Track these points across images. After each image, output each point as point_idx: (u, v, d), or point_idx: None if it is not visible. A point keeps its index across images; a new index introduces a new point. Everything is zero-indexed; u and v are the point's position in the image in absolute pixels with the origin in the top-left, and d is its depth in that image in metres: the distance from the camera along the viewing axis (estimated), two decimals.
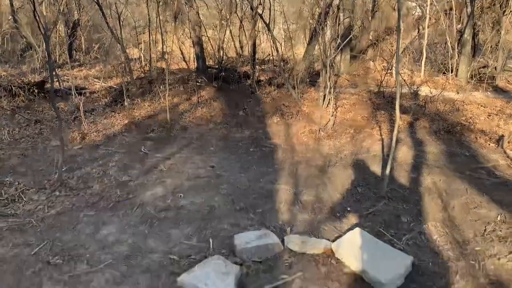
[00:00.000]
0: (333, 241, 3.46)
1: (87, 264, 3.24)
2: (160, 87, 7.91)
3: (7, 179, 4.51)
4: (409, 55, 10.42)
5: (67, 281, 3.06)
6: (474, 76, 9.29)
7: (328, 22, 7.42)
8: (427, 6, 9.79)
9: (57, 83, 7.70)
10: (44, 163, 4.92)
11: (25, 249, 3.41)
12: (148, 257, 3.34)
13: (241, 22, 11.17)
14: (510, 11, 9.29)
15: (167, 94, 6.57)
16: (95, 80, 9.66)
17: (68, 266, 3.22)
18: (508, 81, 9.62)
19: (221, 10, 10.17)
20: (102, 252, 3.39)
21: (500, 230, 3.49)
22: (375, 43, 11.39)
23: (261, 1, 10.00)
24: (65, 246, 3.46)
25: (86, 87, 8.88)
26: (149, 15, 9.13)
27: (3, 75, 8.34)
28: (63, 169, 4.63)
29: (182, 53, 9.16)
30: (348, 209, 3.98)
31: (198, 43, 9.34)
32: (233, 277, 2.99)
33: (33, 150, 5.26)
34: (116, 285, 3.04)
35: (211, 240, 3.53)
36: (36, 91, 7.52)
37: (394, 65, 8.92)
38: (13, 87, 7.35)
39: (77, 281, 3.06)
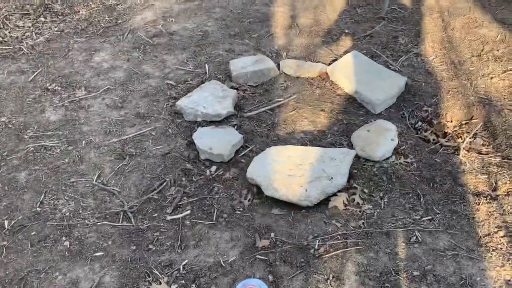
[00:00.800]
0: (329, 64, 3.45)
1: (86, 90, 3.28)
2: None
3: None
4: None
5: (68, 106, 3.14)
6: None
7: None
8: None
9: None
10: None
11: (21, 76, 3.41)
12: (145, 82, 3.37)
13: None
14: None
15: None
16: None
17: (66, 92, 3.27)
18: None
19: None
20: (98, 78, 3.41)
21: (497, 50, 3.46)
22: None
23: None
24: (60, 73, 3.45)
25: None
26: None
27: None
28: None
29: None
30: (346, 31, 3.87)
31: None
32: (230, 100, 3.07)
33: None
34: (117, 109, 3.13)
35: (206, 66, 3.52)
36: None
37: None
38: None
39: (78, 106, 3.15)
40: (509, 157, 2.67)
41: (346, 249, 2.19)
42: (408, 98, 3.15)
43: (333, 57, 3.58)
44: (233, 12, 4.20)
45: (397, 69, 3.40)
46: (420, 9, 4.10)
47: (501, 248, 2.17)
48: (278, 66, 3.45)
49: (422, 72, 3.38)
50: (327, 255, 2.17)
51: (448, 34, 3.72)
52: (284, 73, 3.42)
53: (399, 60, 3.51)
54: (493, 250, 2.17)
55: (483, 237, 2.24)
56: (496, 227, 2.28)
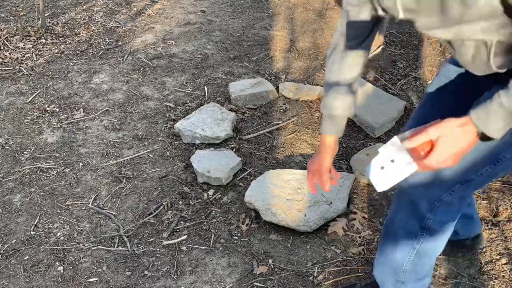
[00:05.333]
0: None
1: (84, 112, 3.28)
2: None
3: None
4: None
5: (66, 128, 3.13)
6: None
7: None
8: None
9: None
10: (25, 8, 4.63)
11: (20, 97, 3.41)
12: (144, 104, 3.36)
13: None
14: None
15: None
16: None
17: (65, 113, 3.26)
18: None
19: None
20: (97, 100, 3.40)
21: None
22: None
23: None
24: (59, 94, 3.45)
25: None
26: None
27: None
28: (46, 15, 4.37)
29: None
30: None
31: None
32: (229, 123, 3.06)
33: None
34: (115, 131, 3.12)
35: (206, 88, 3.52)
36: None
37: None
38: None
39: (76, 128, 3.13)
40: (509, 182, 2.65)
41: (346, 276, 2.15)
42: (407, 122, 3.14)
43: None
44: (232, 35, 4.24)
45: (396, 92, 3.41)
46: (418, 33, 4.14)
47: (503, 276, 2.13)
48: (277, 88, 3.46)
49: (421, 96, 3.38)
50: (326, 283, 2.12)
51: (446, 58, 3.75)
52: (283, 95, 3.42)
53: (398, 83, 3.52)
54: (495, 278, 2.12)
55: (485, 264, 2.20)
56: (498, 254, 2.24)
